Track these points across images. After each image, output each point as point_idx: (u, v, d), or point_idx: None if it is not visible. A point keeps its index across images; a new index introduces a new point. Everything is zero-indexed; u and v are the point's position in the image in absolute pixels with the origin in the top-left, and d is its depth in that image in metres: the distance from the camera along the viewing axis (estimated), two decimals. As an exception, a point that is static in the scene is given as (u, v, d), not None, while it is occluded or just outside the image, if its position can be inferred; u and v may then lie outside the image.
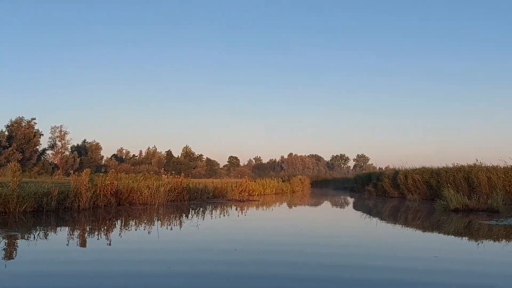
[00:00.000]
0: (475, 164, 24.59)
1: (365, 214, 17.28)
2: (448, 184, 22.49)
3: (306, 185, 44.17)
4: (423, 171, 27.62)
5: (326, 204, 24.50)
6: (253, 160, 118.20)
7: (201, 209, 16.75)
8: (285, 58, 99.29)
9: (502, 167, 23.42)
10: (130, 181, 18.67)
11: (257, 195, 27.17)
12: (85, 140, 76.51)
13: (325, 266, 6.65)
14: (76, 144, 74.10)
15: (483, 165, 24.14)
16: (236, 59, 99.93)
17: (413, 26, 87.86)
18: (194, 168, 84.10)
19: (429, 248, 8.67)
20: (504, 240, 9.89)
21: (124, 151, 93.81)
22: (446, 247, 8.92)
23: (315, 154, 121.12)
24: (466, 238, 10.54)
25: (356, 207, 22.61)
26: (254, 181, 29.91)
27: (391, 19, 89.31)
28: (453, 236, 10.90)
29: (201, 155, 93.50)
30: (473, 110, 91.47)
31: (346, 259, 7.34)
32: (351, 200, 28.18)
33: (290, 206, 21.44)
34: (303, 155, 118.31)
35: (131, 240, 9.03)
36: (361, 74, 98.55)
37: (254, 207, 18.96)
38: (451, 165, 26.08)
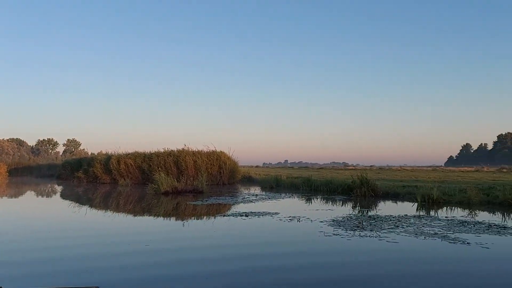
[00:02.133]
0: (183, 148, 26.82)
1: (73, 203, 15.64)
2: (160, 168, 23.51)
3: (2, 173, 37.54)
4: (136, 155, 27.91)
5: (28, 195, 21.06)
6: None
7: None
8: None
9: (205, 151, 26.46)
10: None
11: None
12: None
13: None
14: None
15: (190, 149, 26.59)
16: None
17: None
18: None
19: (139, 236, 8.34)
20: (205, 217, 10.75)
21: None
22: (156, 230, 8.88)
23: (17, 138, 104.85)
24: (174, 218, 10.99)
25: (63, 195, 20.39)
26: None
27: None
28: (162, 218, 11.09)
29: None
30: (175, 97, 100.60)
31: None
32: (58, 188, 25.40)
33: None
34: (1, 139, 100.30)
35: None
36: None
37: None
38: (162, 150, 27.50)
